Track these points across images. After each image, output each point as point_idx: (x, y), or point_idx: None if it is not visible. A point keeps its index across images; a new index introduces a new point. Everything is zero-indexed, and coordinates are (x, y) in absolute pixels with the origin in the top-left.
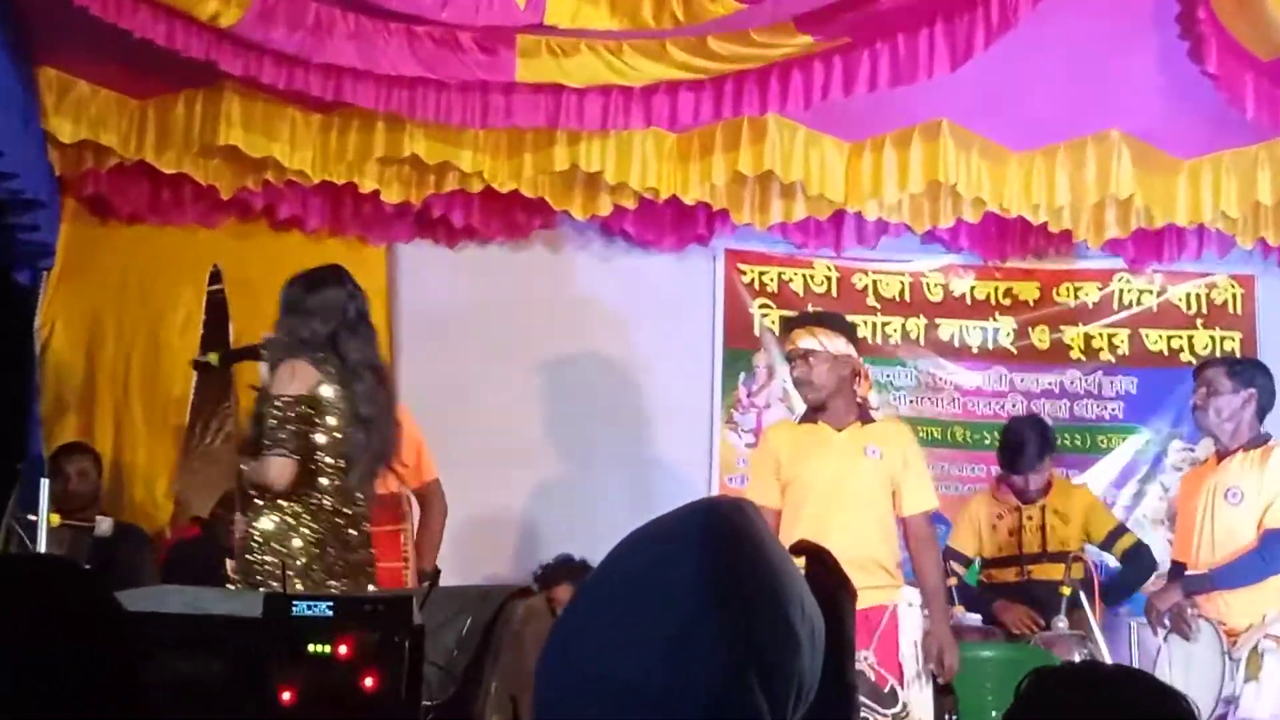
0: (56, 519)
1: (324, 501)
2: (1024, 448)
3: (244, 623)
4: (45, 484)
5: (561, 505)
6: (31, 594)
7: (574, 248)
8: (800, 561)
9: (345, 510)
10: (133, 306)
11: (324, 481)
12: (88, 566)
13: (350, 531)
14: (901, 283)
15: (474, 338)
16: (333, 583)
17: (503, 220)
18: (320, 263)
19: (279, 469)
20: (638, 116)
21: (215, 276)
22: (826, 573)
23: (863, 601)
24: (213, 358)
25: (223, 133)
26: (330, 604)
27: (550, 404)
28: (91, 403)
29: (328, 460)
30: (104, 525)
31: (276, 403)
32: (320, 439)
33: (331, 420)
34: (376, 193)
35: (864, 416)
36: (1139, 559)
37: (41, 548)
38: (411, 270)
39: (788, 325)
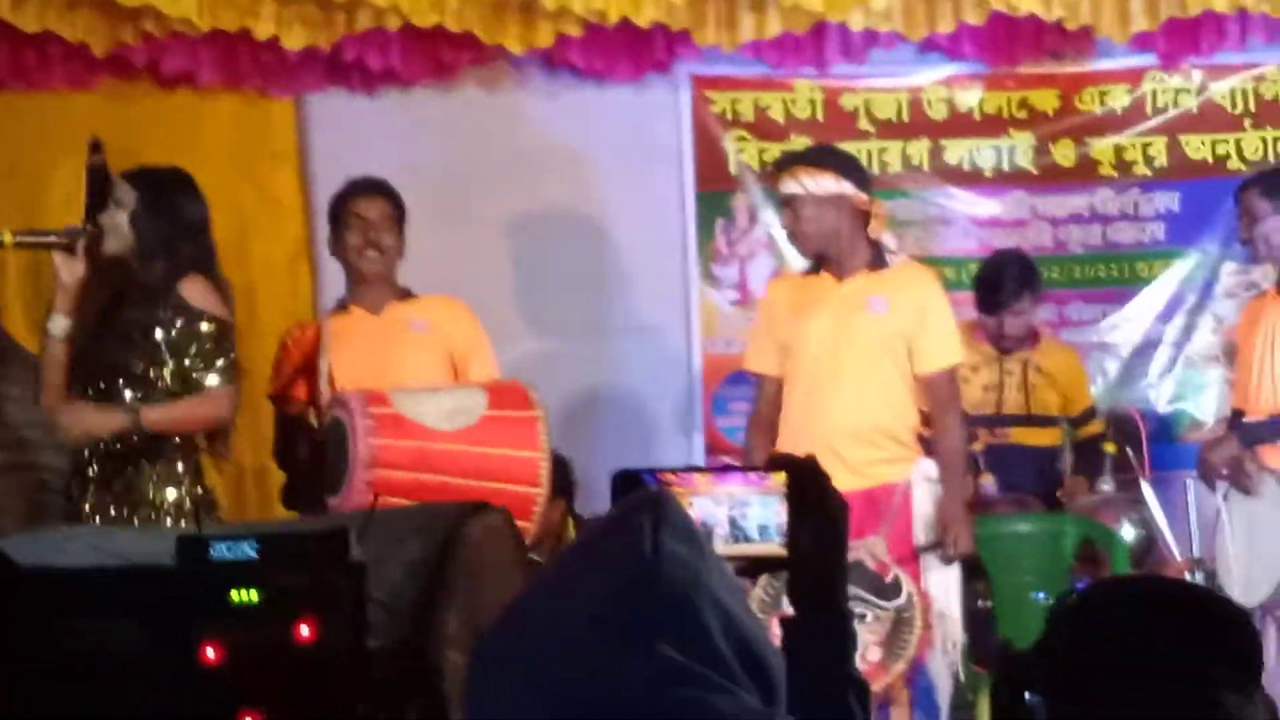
0: None
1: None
2: (1001, 280)
3: (155, 573)
4: None
5: None
6: None
7: (513, 86)
8: (780, 478)
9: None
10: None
11: None
12: None
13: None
14: (898, 101)
15: (404, 200)
16: None
17: (427, 60)
18: (220, 123)
19: (232, 401)
20: None
21: (95, 146)
22: (812, 490)
23: (868, 479)
24: (6, 237)
25: None
26: (254, 544)
27: (499, 271)
28: None
29: None
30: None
31: (209, 325)
32: None
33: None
34: (277, 39)
35: (876, 263)
36: (1093, 454)
37: None
38: (326, 125)
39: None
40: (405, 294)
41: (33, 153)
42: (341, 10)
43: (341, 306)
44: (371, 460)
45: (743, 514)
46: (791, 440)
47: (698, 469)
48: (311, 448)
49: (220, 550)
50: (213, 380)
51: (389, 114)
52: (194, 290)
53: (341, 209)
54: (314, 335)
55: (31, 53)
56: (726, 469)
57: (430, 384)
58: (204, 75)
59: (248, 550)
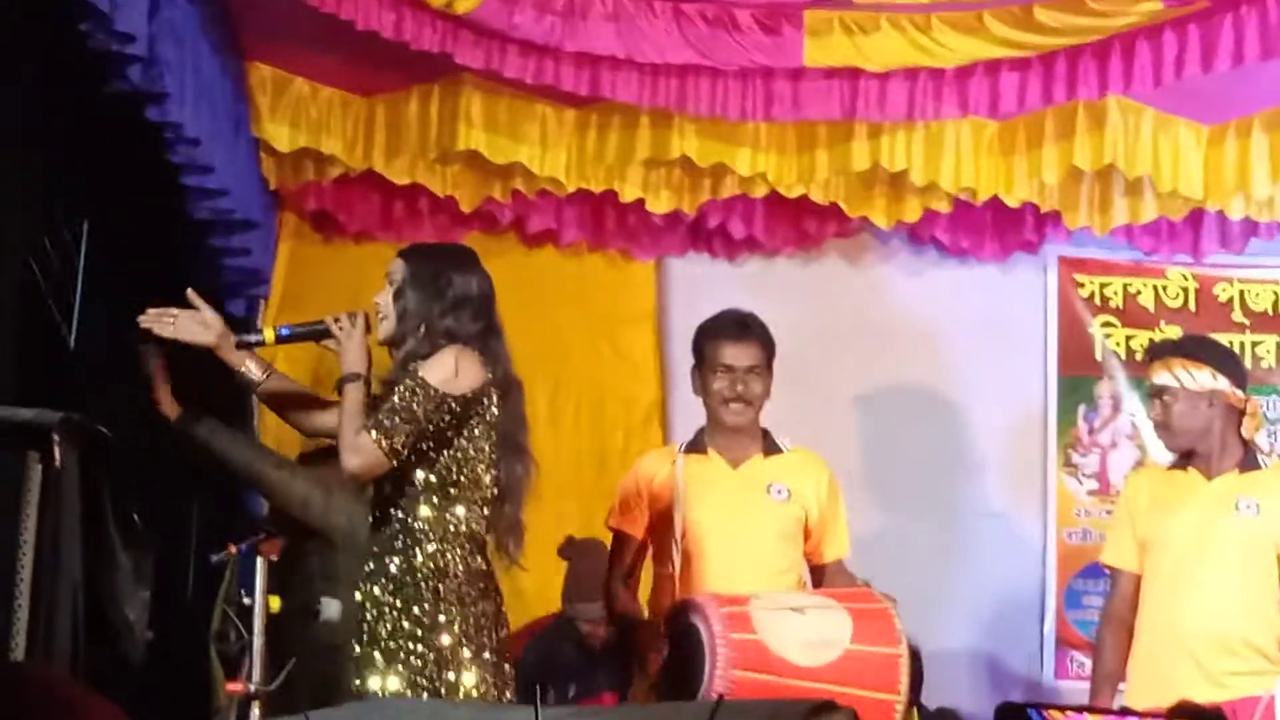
0: (277, 602)
1: (460, 527)
2: None
3: None
4: (261, 563)
5: (868, 567)
6: None
7: (876, 259)
8: None
9: (479, 557)
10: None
11: (461, 511)
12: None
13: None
14: (1275, 293)
15: None
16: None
17: (791, 229)
18: (581, 282)
19: (366, 452)
20: (951, 103)
21: None
22: None
23: (1228, 691)
24: (267, 335)
25: (462, 136)
26: None
27: (848, 444)
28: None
29: (475, 491)
30: (331, 609)
31: (410, 384)
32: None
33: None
34: (641, 201)
35: (1248, 464)
36: None
37: (257, 638)
38: (685, 289)
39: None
40: (769, 444)
41: None
42: (708, 175)
43: (699, 447)
44: (727, 692)
45: None
46: (1147, 642)
47: (1090, 709)
48: (664, 644)
49: None
50: (370, 430)
51: (749, 280)
52: (430, 362)
53: (708, 351)
54: (666, 477)
55: (401, 204)
56: (1123, 713)
57: (792, 593)
58: (567, 234)
59: None
